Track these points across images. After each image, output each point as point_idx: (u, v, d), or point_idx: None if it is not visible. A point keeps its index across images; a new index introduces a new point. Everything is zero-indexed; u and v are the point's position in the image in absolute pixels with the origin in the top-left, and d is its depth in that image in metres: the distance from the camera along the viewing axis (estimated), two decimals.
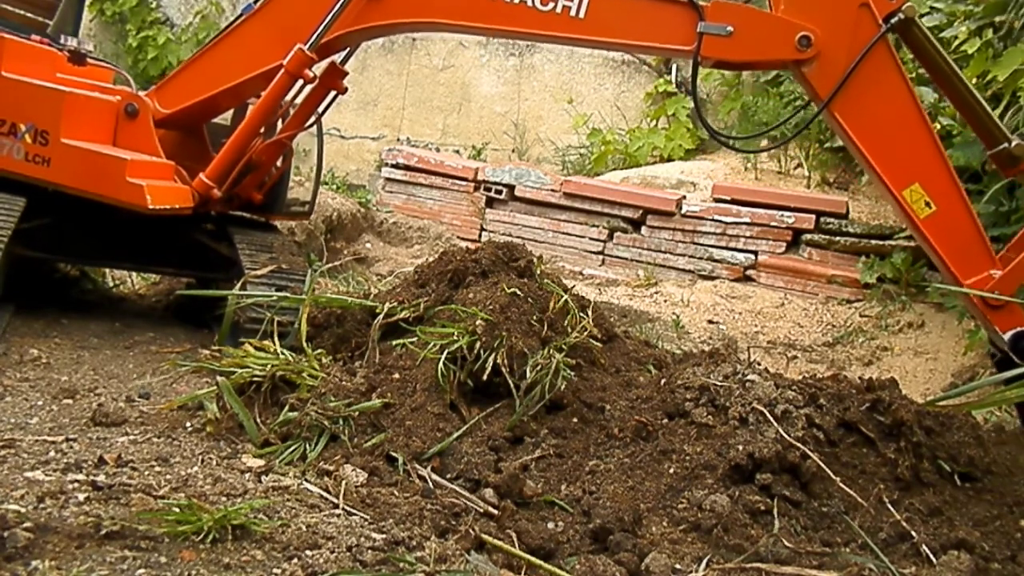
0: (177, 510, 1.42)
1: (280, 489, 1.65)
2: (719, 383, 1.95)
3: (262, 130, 2.96)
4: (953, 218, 2.42)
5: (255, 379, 2.04)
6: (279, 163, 3.17)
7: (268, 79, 2.77)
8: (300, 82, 2.87)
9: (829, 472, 1.76)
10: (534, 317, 2.11)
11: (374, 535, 1.49)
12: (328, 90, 3.05)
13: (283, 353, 2.15)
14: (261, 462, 1.80)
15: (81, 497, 1.46)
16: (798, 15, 2.45)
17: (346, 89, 3.08)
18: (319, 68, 2.91)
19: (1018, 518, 1.77)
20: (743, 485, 1.74)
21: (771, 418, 1.82)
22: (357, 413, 1.90)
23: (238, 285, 2.63)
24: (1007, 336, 2.40)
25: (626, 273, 5.73)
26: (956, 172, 2.42)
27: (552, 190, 6.04)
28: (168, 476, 1.63)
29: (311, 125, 3.14)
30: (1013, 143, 2.47)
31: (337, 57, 3.08)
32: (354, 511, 1.60)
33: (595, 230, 5.92)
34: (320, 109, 3.11)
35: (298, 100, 3.06)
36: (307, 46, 2.72)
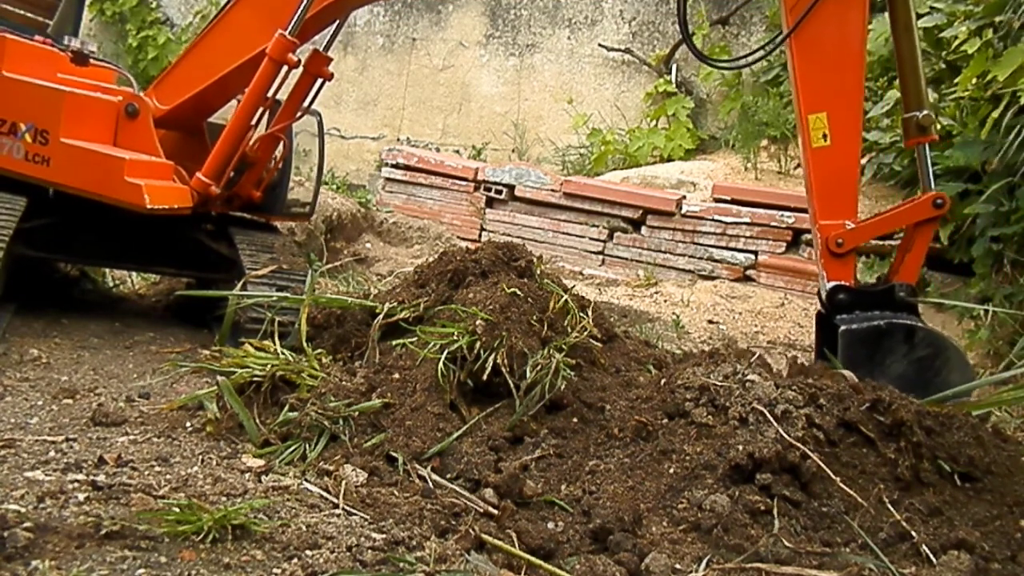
0: (177, 510, 1.42)
1: (280, 489, 1.65)
2: (719, 383, 1.95)
3: (253, 122, 2.96)
4: (840, 160, 2.47)
5: (255, 379, 2.04)
6: (275, 158, 3.18)
7: (256, 67, 2.79)
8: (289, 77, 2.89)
9: (829, 472, 1.76)
10: (534, 317, 2.11)
11: (374, 535, 1.49)
12: (315, 78, 3.05)
13: (283, 353, 2.15)
14: (261, 462, 1.80)
15: (81, 497, 1.46)
16: None
17: (332, 75, 3.09)
18: (304, 56, 2.93)
19: (1018, 518, 1.77)
20: (743, 485, 1.74)
21: (771, 418, 1.82)
22: (357, 413, 1.90)
23: (239, 285, 2.63)
24: (829, 285, 2.44)
25: (626, 273, 5.73)
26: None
27: (552, 190, 6.05)
28: (168, 476, 1.63)
29: (301, 116, 3.14)
30: (922, 113, 2.51)
31: (320, 44, 3.10)
32: (354, 511, 1.60)
33: (595, 230, 5.92)
34: (308, 99, 3.11)
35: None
36: (288, 30, 2.74)
